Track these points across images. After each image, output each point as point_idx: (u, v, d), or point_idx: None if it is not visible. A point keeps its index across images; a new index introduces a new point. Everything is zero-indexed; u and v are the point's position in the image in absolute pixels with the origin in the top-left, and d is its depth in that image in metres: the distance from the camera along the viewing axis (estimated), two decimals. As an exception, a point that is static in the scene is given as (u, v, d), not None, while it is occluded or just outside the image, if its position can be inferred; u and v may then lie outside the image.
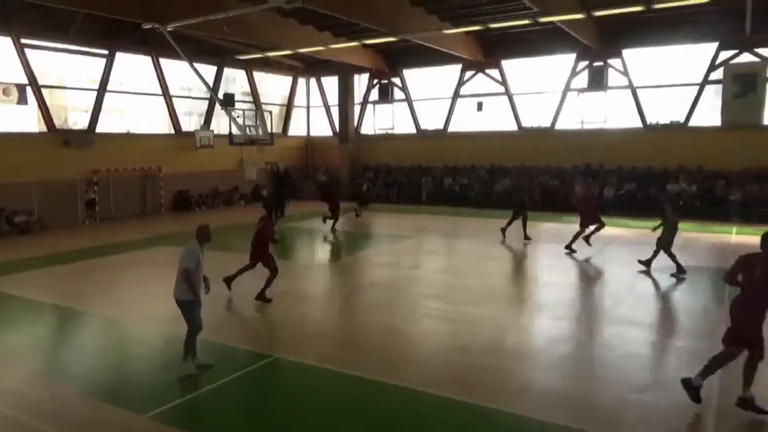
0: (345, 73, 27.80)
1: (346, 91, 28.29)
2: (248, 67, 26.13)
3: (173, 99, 23.05)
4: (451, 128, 26.53)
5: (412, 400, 5.88)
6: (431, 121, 27.17)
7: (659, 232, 11.28)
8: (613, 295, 10.06)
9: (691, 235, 15.76)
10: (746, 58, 20.16)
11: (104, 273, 11.98)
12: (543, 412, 5.53)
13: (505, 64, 24.77)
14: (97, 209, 19.84)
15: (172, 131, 23.13)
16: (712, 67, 20.71)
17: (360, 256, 14.32)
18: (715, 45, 20.59)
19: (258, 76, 27.08)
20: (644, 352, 7.16)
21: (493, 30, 20.91)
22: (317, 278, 11.90)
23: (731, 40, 20.06)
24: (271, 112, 25.66)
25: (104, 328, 8.48)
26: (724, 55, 20.48)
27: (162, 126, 22.99)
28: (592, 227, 13.52)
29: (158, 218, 21.03)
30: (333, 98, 29.28)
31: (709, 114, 20.92)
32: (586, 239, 13.61)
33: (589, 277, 11.76)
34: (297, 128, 30.25)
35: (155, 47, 21.27)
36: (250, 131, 23.49)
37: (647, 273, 11.21)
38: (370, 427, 5.40)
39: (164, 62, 22.23)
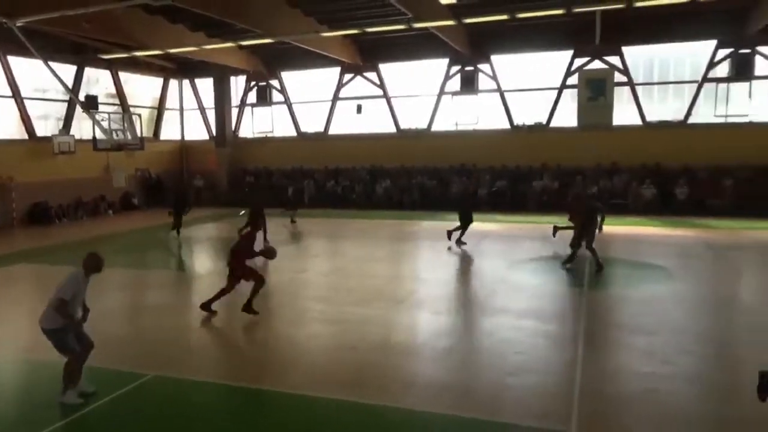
0: (221, 75, 26.89)
1: (222, 94, 27.37)
2: (113, 66, 24.41)
3: (26, 101, 20.95)
4: (332, 130, 26.64)
5: (302, 406, 5.81)
6: (312, 124, 27.09)
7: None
8: (488, 287, 10.64)
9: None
10: (597, 65, 22.28)
11: (-53, 296, 10.59)
12: (428, 404, 5.71)
13: (383, 67, 25.31)
14: (-64, 225, 17.54)
15: (26, 136, 21.01)
16: (569, 73, 22.65)
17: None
18: (570, 53, 22.54)
19: (124, 76, 25.37)
20: (518, 337, 7.64)
21: (370, 34, 21.29)
22: (199, 288, 11.39)
23: (584, 48, 22.06)
24: (140, 115, 24.17)
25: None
26: (579, 62, 22.49)
27: (12, 131, 20.80)
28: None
29: (11, 233, 18.97)
30: (209, 100, 28.21)
31: (568, 116, 22.83)
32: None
33: (466, 271, 12.34)
34: (170, 132, 28.76)
35: (3, 44, 19.17)
36: (117, 135, 21.96)
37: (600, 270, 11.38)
38: (258, 438, 5.27)
39: (14, 60, 20.11)
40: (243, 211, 19.50)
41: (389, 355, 7.13)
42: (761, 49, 20.60)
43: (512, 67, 23.95)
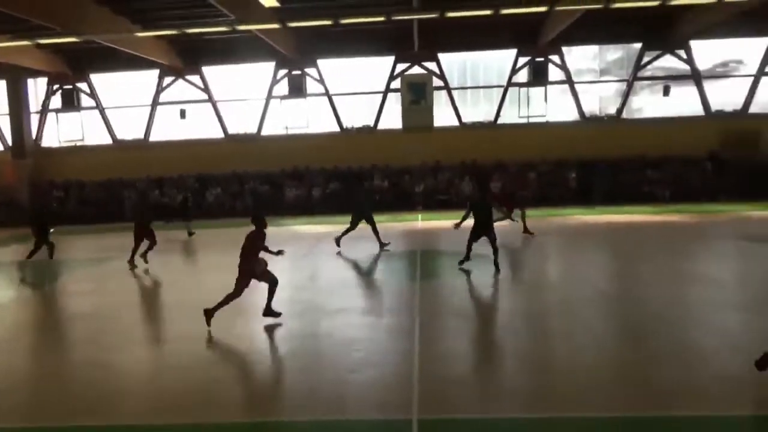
0: (15, 77, 23.76)
1: (17, 98, 24.23)
2: None
3: None
4: (153, 137, 24.97)
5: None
6: (130, 131, 25.12)
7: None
8: (327, 288, 10.72)
9: (387, 224, 17.82)
10: (417, 70, 23.66)
11: None
12: (270, 413, 5.57)
13: (207, 70, 24.34)
14: None
15: None
16: (392, 78, 23.75)
17: (54, 287, 12.42)
18: (392, 58, 23.66)
19: None
20: (357, 335, 7.79)
21: (190, 35, 20.32)
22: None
23: (405, 54, 23.28)
24: None
25: None
26: (401, 67, 23.70)
27: None
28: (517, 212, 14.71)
29: None
30: (1, 106, 24.76)
31: (393, 118, 23.94)
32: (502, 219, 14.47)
33: (305, 274, 12.30)
34: (-47, 142, 24.78)
35: None
36: None
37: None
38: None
39: None
40: (52, 230, 17.34)
41: (228, 369, 6.84)
42: (553, 58, 23.48)
43: (340, 72, 24.49)
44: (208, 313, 8.23)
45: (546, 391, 5.76)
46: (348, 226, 13.81)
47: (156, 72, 24.34)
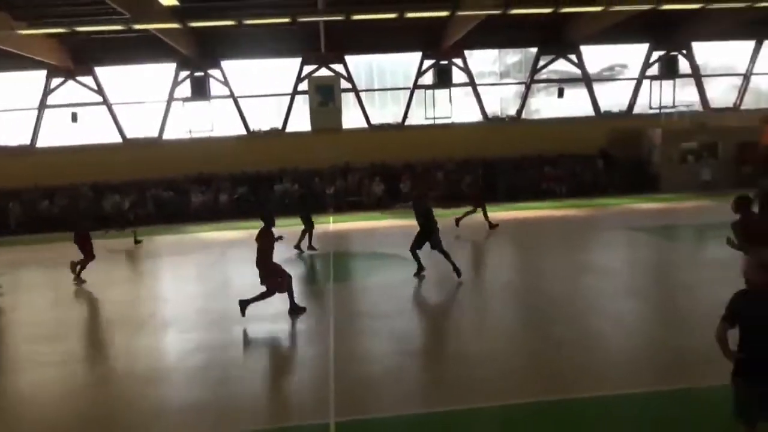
0: None
1: None
2: None
3: None
4: (41, 143, 23.20)
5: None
6: (15, 136, 23.21)
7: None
8: (239, 296, 10.40)
9: (298, 228, 17.61)
10: (325, 72, 23.60)
11: None
12: (182, 430, 5.36)
13: (101, 71, 22.97)
14: None
15: None
16: (299, 80, 23.54)
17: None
18: (299, 60, 23.44)
19: None
20: (273, 341, 7.67)
21: (81, 34, 19.07)
22: None
23: (311, 56, 23.16)
24: None
25: None
26: (308, 69, 23.54)
27: None
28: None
29: None
30: None
31: (301, 120, 23.74)
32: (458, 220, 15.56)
33: (214, 284, 11.91)
34: None
35: None
36: None
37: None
38: None
39: None
40: None
41: (132, 386, 6.48)
42: (456, 61, 24.23)
43: (245, 73, 23.95)
44: (298, 308, 8.60)
45: (461, 384, 5.95)
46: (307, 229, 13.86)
47: (43, 72, 22.63)
